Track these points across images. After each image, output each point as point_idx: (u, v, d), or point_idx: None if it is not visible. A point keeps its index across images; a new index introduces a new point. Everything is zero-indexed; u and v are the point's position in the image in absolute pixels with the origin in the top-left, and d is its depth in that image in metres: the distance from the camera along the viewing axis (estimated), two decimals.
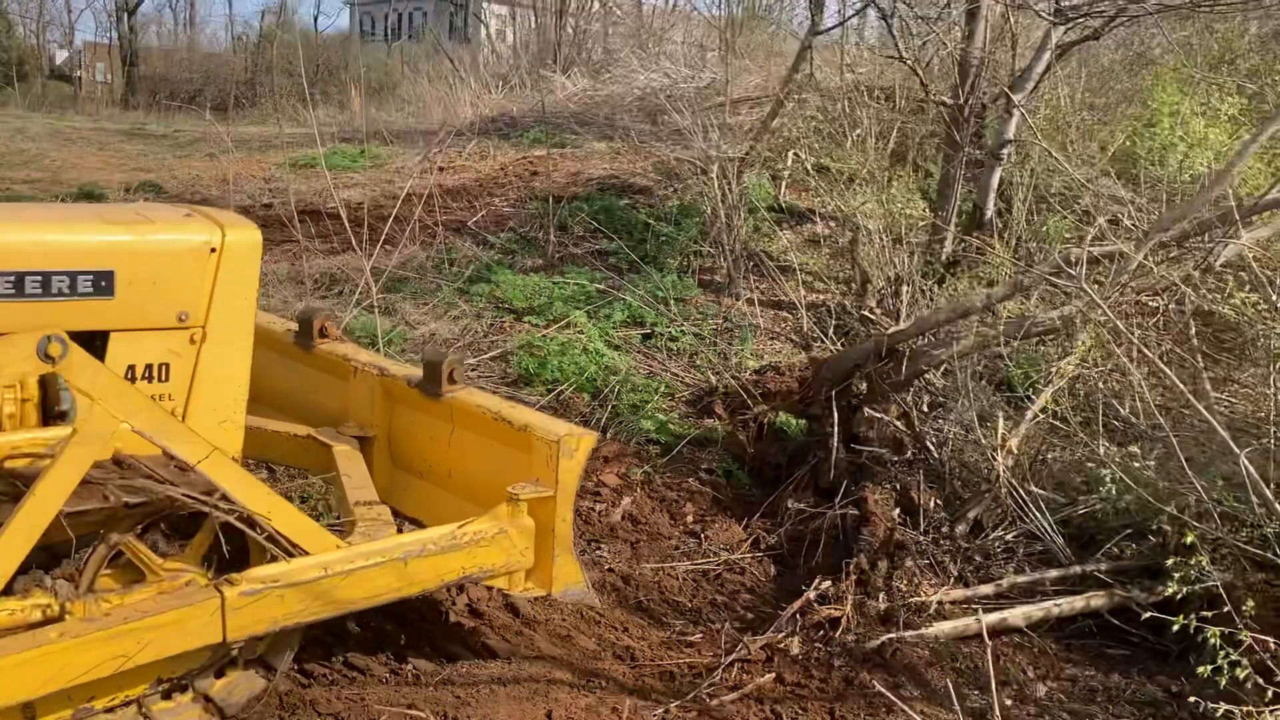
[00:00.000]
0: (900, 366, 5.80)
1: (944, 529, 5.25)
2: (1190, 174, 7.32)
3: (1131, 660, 4.42)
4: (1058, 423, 5.55)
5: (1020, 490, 5.18)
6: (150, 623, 2.87)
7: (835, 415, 5.81)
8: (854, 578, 4.69)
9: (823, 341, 6.96)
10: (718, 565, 5.10)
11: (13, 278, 3.07)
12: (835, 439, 5.72)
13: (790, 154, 10.07)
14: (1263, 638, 3.30)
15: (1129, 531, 4.89)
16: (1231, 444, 4.08)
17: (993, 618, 4.52)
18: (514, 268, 8.54)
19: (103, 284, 3.24)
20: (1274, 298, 4.93)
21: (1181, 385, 4.77)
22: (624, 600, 4.57)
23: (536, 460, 3.50)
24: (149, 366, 3.39)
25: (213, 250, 3.43)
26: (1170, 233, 5.18)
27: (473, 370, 6.68)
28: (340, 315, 6.33)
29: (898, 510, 5.21)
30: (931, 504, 5.34)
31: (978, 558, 5.12)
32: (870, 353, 5.79)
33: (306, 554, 3.21)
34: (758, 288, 8.26)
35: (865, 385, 6.00)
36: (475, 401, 3.78)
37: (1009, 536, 5.22)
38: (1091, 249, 5.27)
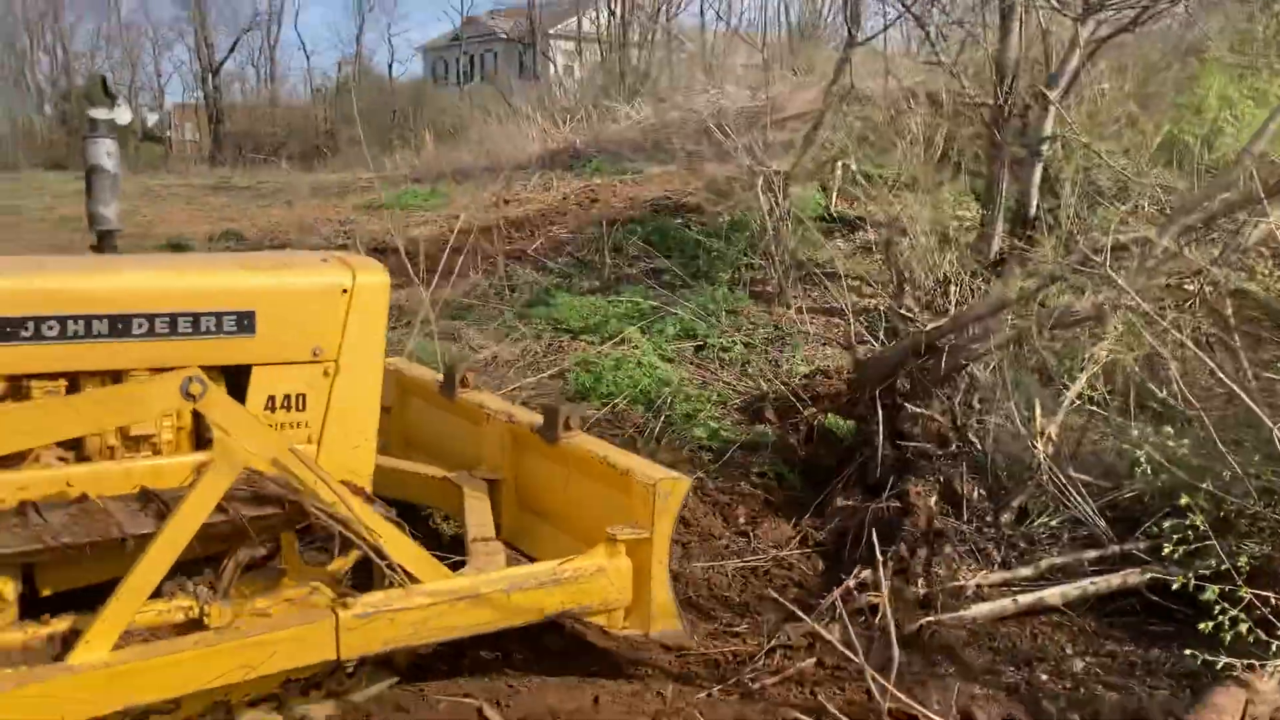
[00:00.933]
0: (940, 363, 5.92)
1: (987, 518, 5.36)
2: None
3: (1173, 636, 4.46)
4: (1095, 408, 5.63)
5: (1061, 476, 5.27)
6: (274, 637, 3.15)
7: (880, 414, 5.94)
8: (893, 566, 4.85)
9: (870, 345, 7.10)
10: (766, 562, 5.27)
11: (168, 318, 3.50)
12: (880, 437, 5.86)
13: (839, 164, 10.22)
14: (1264, 593, 3.38)
15: (1168, 511, 4.94)
16: (1264, 417, 4.14)
17: (1029, 598, 4.63)
18: (571, 290, 8.85)
19: (245, 323, 3.63)
20: None
21: (1213, 364, 4.84)
22: None
23: (636, 503, 3.62)
24: (287, 397, 3.76)
25: (344, 291, 3.79)
26: (1195, 215, 5.23)
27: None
28: (404, 343, 6.67)
29: (939, 501, 5.33)
30: (975, 494, 5.45)
31: (1022, 544, 5.21)
32: (909, 351, 5.92)
33: (419, 582, 3.43)
34: (808, 296, 8.44)
35: (908, 383, 6.13)
36: (586, 447, 3.96)
37: (1053, 522, 5.31)
38: (1118, 236, 5.34)
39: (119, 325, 3.46)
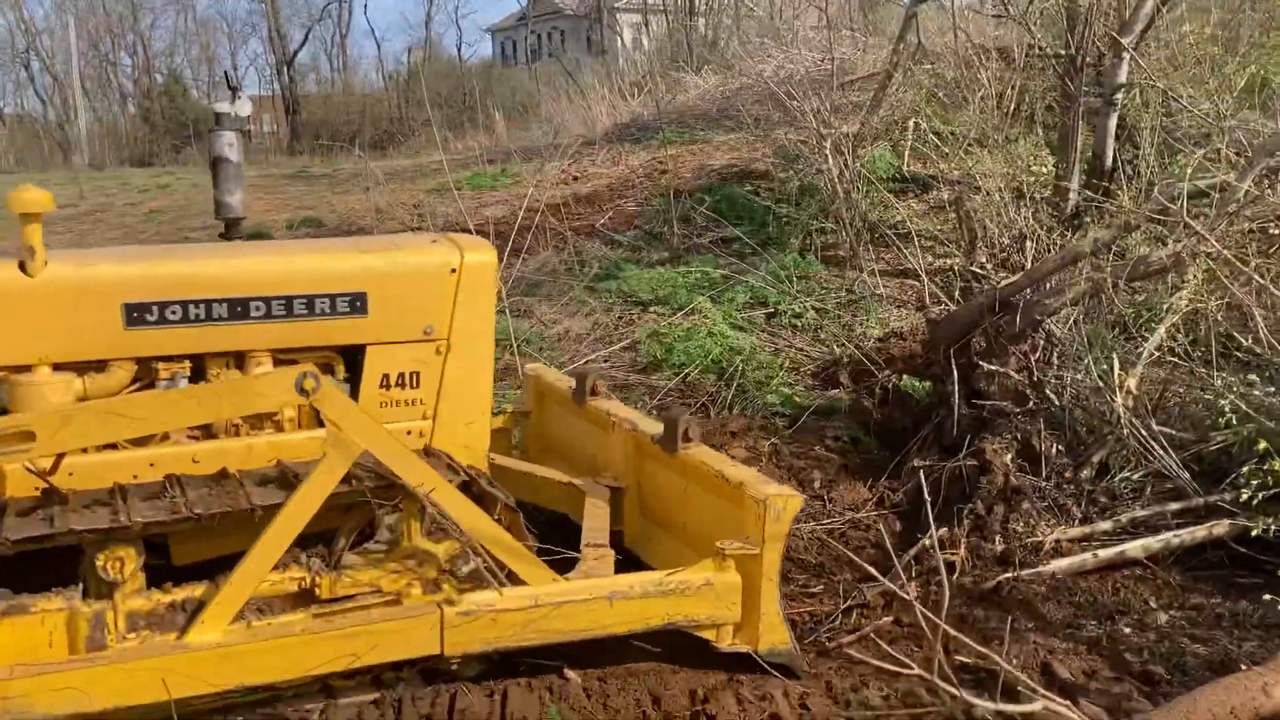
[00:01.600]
0: (1015, 319, 5.83)
1: (1066, 474, 5.29)
2: None
3: (1263, 587, 4.37)
4: (1178, 359, 5.51)
5: (1142, 430, 5.18)
6: (380, 628, 3.26)
7: (955, 373, 5.88)
8: (970, 524, 4.82)
9: (945, 305, 7.02)
10: (842, 524, 5.27)
11: (284, 301, 3.69)
12: (956, 396, 5.80)
13: (911, 123, 10.08)
14: None
15: (1256, 462, 4.83)
16: None
17: (1110, 552, 4.58)
18: (640, 263, 8.89)
19: (358, 304, 3.80)
20: None
21: None
22: None
23: (748, 517, 3.58)
24: (401, 375, 3.91)
25: (453, 270, 3.92)
26: (1279, 155, 5.08)
27: (604, 361, 7.04)
28: None
29: (1016, 458, 5.27)
30: (1053, 450, 5.37)
31: (1103, 499, 5.13)
32: (983, 308, 5.84)
33: (524, 584, 3.47)
34: (881, 258, 8.36)
35: (983, 341, 6.06)
36: (702, 459, 3.92)
37: (1135, 477, 5.22)
38: (1197, 182, 5.20)
39: (238, 308, 3.64)
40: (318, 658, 3.19)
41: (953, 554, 4.57)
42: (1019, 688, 3.11)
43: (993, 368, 5.81)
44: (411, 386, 3.92)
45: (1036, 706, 2.79)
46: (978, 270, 6.36)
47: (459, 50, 58.86)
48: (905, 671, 2.88)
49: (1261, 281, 4.78)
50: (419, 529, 3.51)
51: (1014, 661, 3.76)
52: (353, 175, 18.33)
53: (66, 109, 40.28)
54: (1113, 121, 7.77)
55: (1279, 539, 3.67)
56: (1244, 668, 3.43)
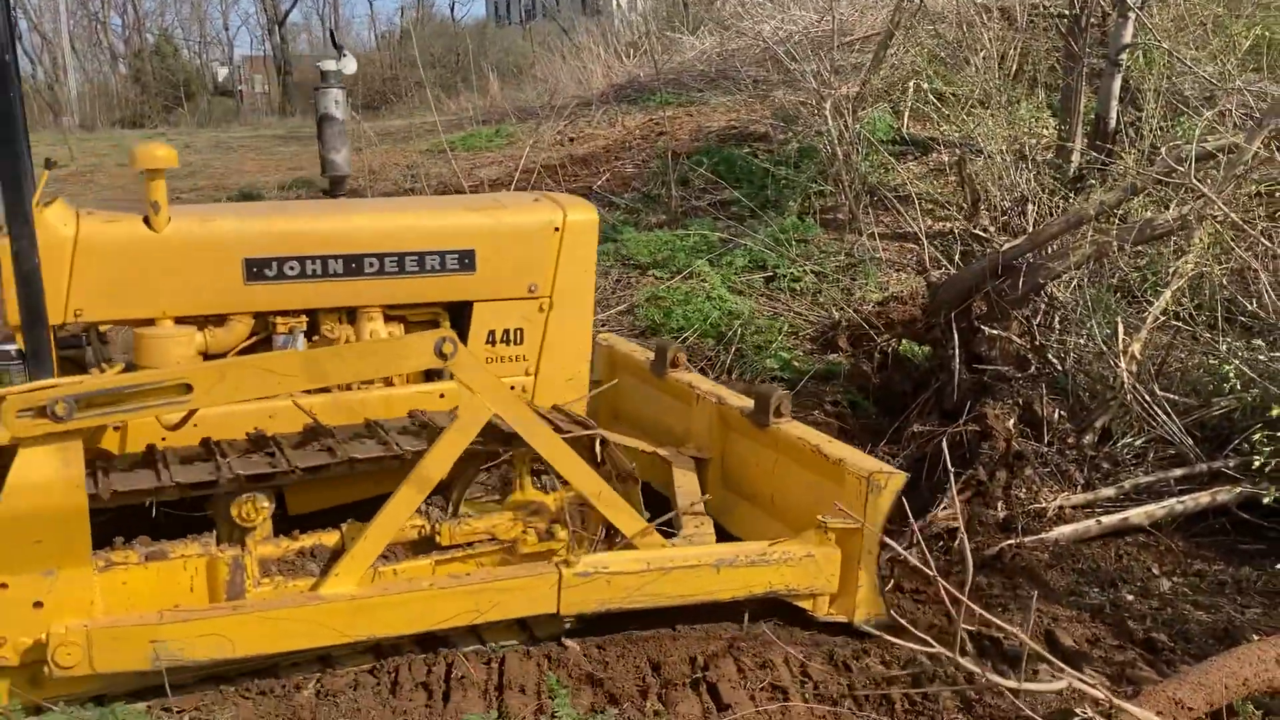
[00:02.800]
0: (1018, 282, 5.76)
1: (1069, 439, 5.25)
2: None
3: (1266, 554, 4.37)
4: (1182, 324, 5.46)
5: (1145, 395, 5.13)
6: (502, 585, 3.35)
7: (956, 337, 5.82)
8: (971, 490, 4.78)
9: (945, 269, 6.95)
10: None
11: (396, 258, 3.82)
12: (957, 360, 5.75)
13: (911, 84, 9.95)
14: None
15: (1260, 426, 4.79)
16: None
17: (1113, 518, 4.55)
18: (638, 225, 8.79)
19: (466, 261, 3.93)
20: None
21: None
22: None
23: (847, 493, 3.61)
24: (506, 331, 4.05)
25: (556, 229, 4.04)
26: None
27: (602, 324, 6.96)
28: None
29: (1017, 424, 5.22)
30: (1055, 416, 5.32)
31: (1105, 465, 5.10)
32: (985, 271, 5.77)
33: (634, 548, 3.57)
34: (881, 221, 8.27)
35: (984, 305, 5.99)
36: (797, 434, 3.95)
37: (1138, 442, 5.18)
38: (1203, 145, 5.12)
39: (353, 264, 3.77)
40: (444, 612, 3.29)
41: (955, 520, 4.52)
42: (1038, 665, 3.06)
43: (994, 332, 5.76)
44: (516, 343, 4.06)
45: (1060, 685, 2.74)
46: (979, 233, 6.28)
47: (452, 10, 58.40)
48: (927, 650, 2.82)
49: (1268, 244, 4.71)
50: (531, 480, 3.64)
51: (1018, 629, 3.73)
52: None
53: (56, 69, 39.78)
54: (1116, 83, 7.66)
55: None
56: (1254, 636, 3.41)
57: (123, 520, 3.29)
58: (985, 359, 5.79)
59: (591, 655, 3.48)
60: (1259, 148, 4.89)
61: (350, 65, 4.82)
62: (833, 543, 3.63)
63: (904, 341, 6.38)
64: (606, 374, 5.05)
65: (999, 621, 3.05)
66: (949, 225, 8.02)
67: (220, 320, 3.70)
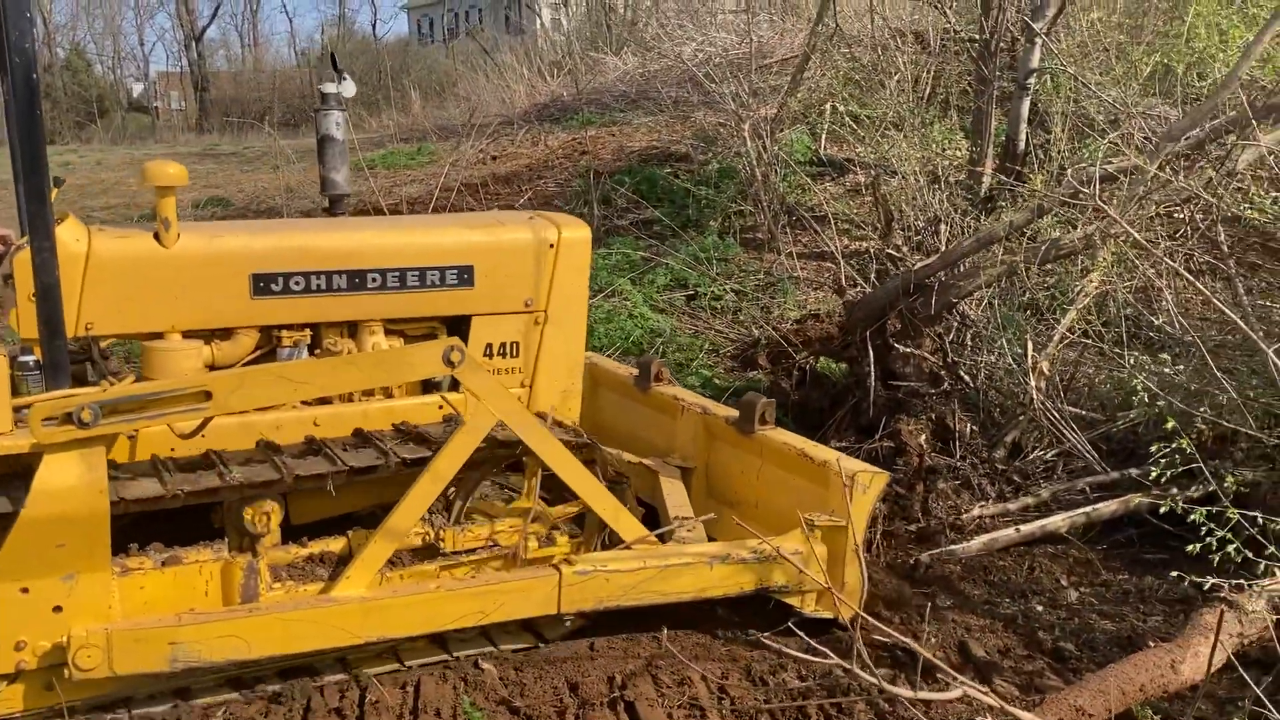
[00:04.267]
0: (930, 301, 5.88)
1: (981, 454, 5.36)
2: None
3: (1167, 564, 4.48)
4: (1089, 341, 5.61)
5: (1053, 410, 5.27)
6: (505, 587, 3.45)
7: (871, 355, 5.92)
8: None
9: (861, 287, 7.06)
10: None
11: (398, 273, 3.93)
12: (872, 378, 5.84)
13: (828, 106, 10.12)
14: (1250, 513, 3.38)
15: (1160, 438, 4.94)
16: (1260, 341, 4.10)
17: (1033, 525, 4.66)
18: None
19: (465, 276, 4.04)
20: None
21: (1206, 291, 4.81)
22: None
23: (832, 494, 3.75)
24: (503, 345, 4.17)
25: (551, 246, 4.15)
26: (1184, 141, 5.18)
27: None
28: None
29: (931, 439, 5.32)
30: (968, 431, 5.44)
31: (1017, 479, 5.22)
32: (899, 290, 5.88)
33: (630, 548, 3.69)
34: (799, 241, 8.39)
35: (898, 323, 6.10)
36: (782, 439, 4.08)
37: (1047, 456, 5.32)
38: (1106, 166, 5.29)
39: (356, 279, 3.87)
40: (451, 614, 3.39)
41: (870, 534, 4.58)
42: (938, 673, 3.12)
43: (908, 349, 5.86)
44: (512, 355, 4.18)
45: (956, 694, 2.80)
46: (893, 253, 6.40)
47: (374, 28, 57.84)
48: (826, 661, 2.86)
49: (1170, 264, 4.87)
50: (535, 488, 3.74)
51: (933, 640, 3.80)
52: (262, 153, 17.88)
53: None
54: (1025, 106, 7.88)
55: (1186, 515, 3.74)
56: (1151, 644, 3.51)
57: (131, 530, 3.32)
58: (900, 376, 5.90)
59: (509, 677, 3.46)
60: (1159, 169, 5.06)
61: (350, 89, 4.91)
62: (819, 540, 3.75)
63: (821, 359, 6.46)
64: (588, 390, 5.13)
65: (894, 633, 3.10)
66: (865, 245, 8.17)
67: (227, 334, 3.78)
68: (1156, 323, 5.54)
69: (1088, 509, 4.74)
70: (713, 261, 7.92)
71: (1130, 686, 2.88)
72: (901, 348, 5.85)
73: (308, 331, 3.90)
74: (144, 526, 3.33)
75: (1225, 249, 5.47)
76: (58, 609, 2.97)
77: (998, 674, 3.58)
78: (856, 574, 3.77)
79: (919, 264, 5.87)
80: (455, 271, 4.02)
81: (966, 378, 5.79)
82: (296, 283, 3.78)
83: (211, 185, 14.59)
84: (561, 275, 4.18)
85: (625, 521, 3.73)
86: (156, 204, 3.57)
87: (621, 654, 3.65)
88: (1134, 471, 4.85)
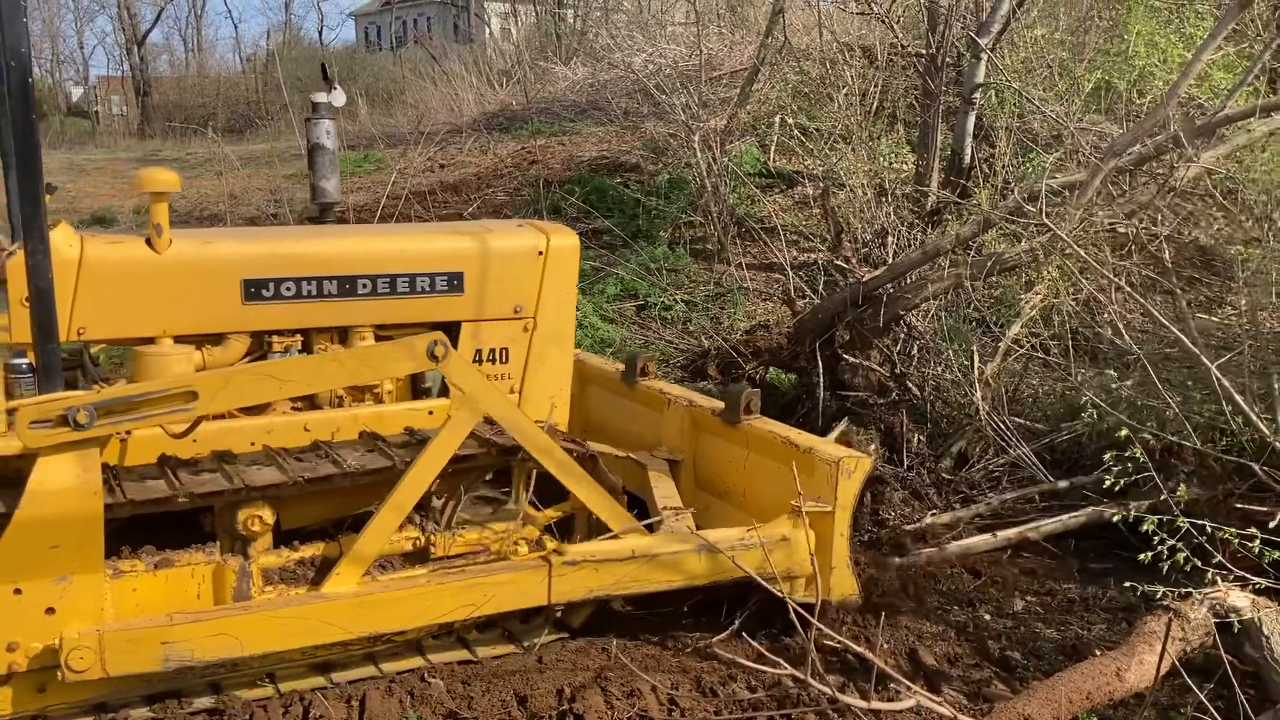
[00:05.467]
0: (879, 312, 5.93)
1: (928, 464, 5.41)
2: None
3: (1112, 573, 4.55)
4: (1034, 353, 5.69)
5: (997, 421, 5.33)
6: (495, 579, 3.47)
7: (820, 365, 5.96)
8: None
9: (810, 298, 7.11)
10: None
11: (388, 279, 3.96)
12: (821, 388, 5.88)
13: (777, 119, 10.18)
14: (1199, 521, 3.43)
15: (1104, 447, 5.00)
16: (1202, 357, 4.14)
17: (1010, 531, 4.72)
18: None
19: (454, 283, 4.08)
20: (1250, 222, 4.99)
21: (1149, 306, 4.87)
22: None
23: (818, 480, 3.79)
24: (492, 351, 4.20)
25: (540, 253, 4.21)
26: (1126, 157, 5.27)
27: None
28: None
29: (878, 448, 5.36)
30: (915, 441, 5.49)
31: (963, 489, 5.28)
32: (847, 302, 5.92)
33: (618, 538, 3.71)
34: (747, 252, 8.42)
35: (847, 334, 6.15)
36: (767, 428, 4.10)
37: (992, 466, 5.38)
38: (1049, 183, 5.37)
39: (347, 285, 3.90)
40: (442, 607, 3.40)
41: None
42: (890, 682, 3.13)
43: (856, 360, 5.90)
44: (501, 361, 4.21)
45: (909, 704, 2.80)
46: (841, 264, 6.45)
47: (320, 34, 57.32)
48: (778, 671, 2.85)
49: (1113, 279, 4.94)
50: (525, 493, 3.77)
51: (885, 646, 3.81)
52: (205, 160, 17.62)
53: None
54: (971, 120, 7.99)
55: (1135, 524, 3.79)
56: (1096, 652, 3.55)
57: (123, 534, 3.31)
58: (849, 386, 5.93)
59: (456, 691, 3.41)
60: (1099, 185, 5.14)
61: (340, 98, 4.95)
62: (806, 526, 3.77)
63: (771, 369, 6.48)
64: (576, 387, 5.18)
65: (848, 642, 3.11)
66: (813, 256, 8.23)
67: (218, 339, 3.79)
68: (1105, 335, 5.62)
69: (1024, 527, 4.78)
70: (663, 272, 7.93)
71: (1077, 695, 2.91)
72: (850, 358, 5.89)
73: (299, 337, 3.92)
74: (136, 530, 3.32)
75: (1169, 263, 5.57)
76: (50, 610, 2.97)
77: (946, 682, 3.60)
78: (845, 557, 3.81)
79: (867, 276, 5.92)
80: (445, 278, 4.05)
81: (914, 388, 5.84)
82: (287, 288, 3.80)
83: None
84: (550, 282, 4.22)
85: (614, 512, 3.74)
86: (150, 209, 3.58)
87: (570, 666, 3.61)
88: (1078, 480, 4.92)
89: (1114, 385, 5.10)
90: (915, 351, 6.06)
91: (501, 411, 3.47)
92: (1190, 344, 4.13)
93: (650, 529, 3.86)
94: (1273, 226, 5.06)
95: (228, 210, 11.21)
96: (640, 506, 4.16)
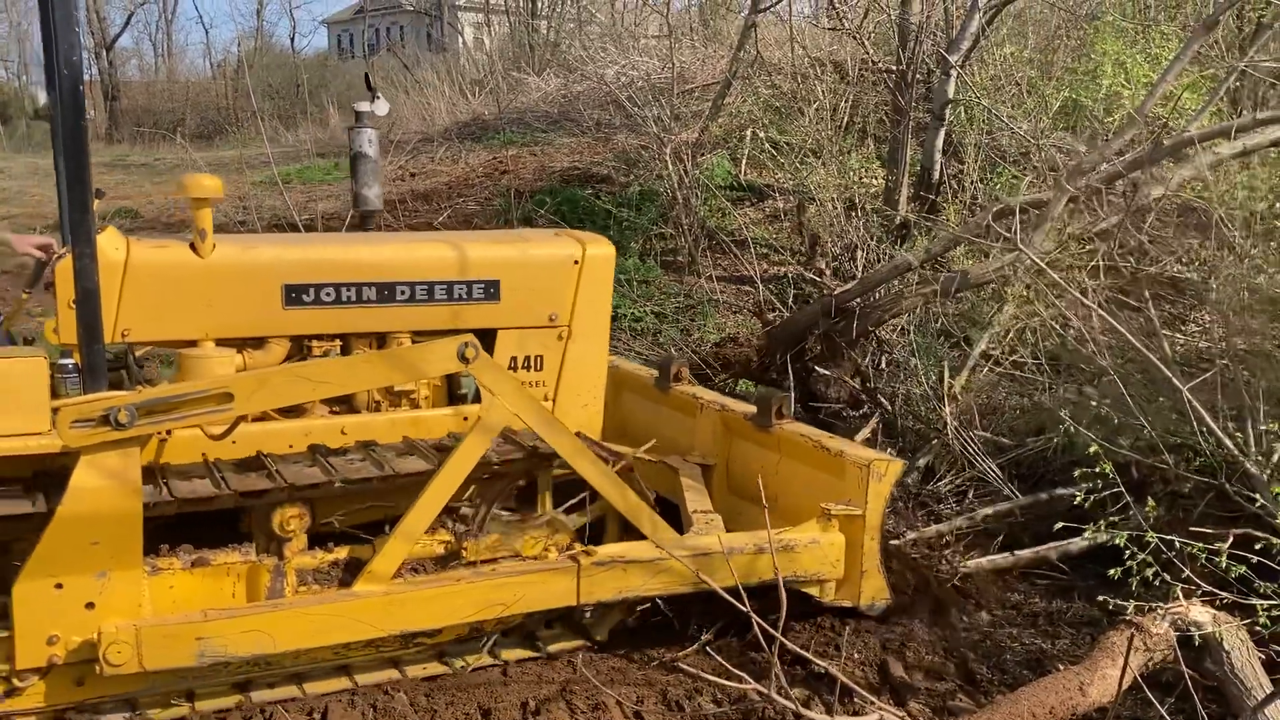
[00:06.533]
0: (851, 325, 5.96)
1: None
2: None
3: (1074, 586, 4.57)
4: (1001, 369, 5.72)
5: (964, 436, 5.35)
6: (525, 579, 3.50)
7: (791, 377, 5.98)
8: None
9: (780, 310, 7.13)
10: None
11: (426, 286, 4.01)
12: (793, 400, 5.89)
13: (748, 133, 10.23)
14: (1168, 537, 3.45)
15: (1073, 462, 5.02)
16: (1174, 379, 4.15)
17: (1027, 552, 4.63)
18: None
19: (491, 290, 4.13)
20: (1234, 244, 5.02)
21: (1120, 326, 4.89)
22: None
23: (849, 483, 3.82)
24: (527, 358, 4.25)
25: (575, 262, 4.25)
26: (1095, 176, 5.32)
27: None
28: None
29: None
30: (887, 453, 5.49)
31: (930, 503, 5.28)
32: (819, 314, 5.95)
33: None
34: (718, 264, 8.44)
35: (818, 347, 6.17)
36: (799, 432, 4.14)
37: (959, 480, 5.39)
38: (1012, 201, 5.41)
39: (385, 292, 3.95)
40: (472, 606, 3.43)
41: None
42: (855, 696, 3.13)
43: (828, 373, 5.93)
44: (536, 369, 4.26)
45: (872, 718, 2.80)
46: (813, 277, 6.49)
47: (292, 41, 57.04)
48: (743, 686, 2.85)
49: (1078, 297, 4.96)
50: (550, 499, 3.82)
51: (855, 656, 3.82)
52: (174, 165, 17.50)
53: None
54: (940, 136, 8.05)
55: (1098, 539, 3.81)
56: (1059, 666, 3.57)
57: (163, 531, 3.37)
58: (820, 398, 5.96)
59: (419, 704, 3.39)
60: (1067, 202, 5.19)
61: (383, 107, 5.00)
62: (836, 529, 3.80)
63: (741, 382, 6.49)
64: (611, 392, 5.21)
65: (810, 655, 3.11)
66: (783, 269, 8.26)
67: (259, 343, 3.85)
68: (1077, 351, 5.63)
69: (996, 557, 4.74)
70: (633, 283, 7.92)
71: (1040, 709, 2.92)
72: (822, 370, 5.91)
73: (338, 342, 3.98)
74: (175, 529, 3.38)
75: (1143, 284, 5.58)
76: (90, 605, 3.03)
77: (913, 695, 3.60)
78: (876, 560, 3.83)
79: (839, 289, 5.95)
80: (482, 286, 4.10)
81: (885, 401, 5.86)
82: (327, 294, 3.86)
83: (121, 196, 14.19)
84: (585, 291, 4.26)
85: (645, 514, 3.75)
86: (193, 215, 3.66)
87: (536, 679, 3.59)
88: (1044, 497, 4.94)
89: (1084, 401, 5.13)
90: (884, 365, 6.09)
91: (531, 413, 3.50)
92: (1163, 366, 4.13)
93: (680, 532, 3.86)
94: (1239, 249, 5.12)
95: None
96: (674, 511, 4.16)
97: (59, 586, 3.00)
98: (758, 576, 3.72)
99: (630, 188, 9.90)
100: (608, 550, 3.63)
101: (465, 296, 4.09)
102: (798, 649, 3.20)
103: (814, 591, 3.89)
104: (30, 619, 2.99)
